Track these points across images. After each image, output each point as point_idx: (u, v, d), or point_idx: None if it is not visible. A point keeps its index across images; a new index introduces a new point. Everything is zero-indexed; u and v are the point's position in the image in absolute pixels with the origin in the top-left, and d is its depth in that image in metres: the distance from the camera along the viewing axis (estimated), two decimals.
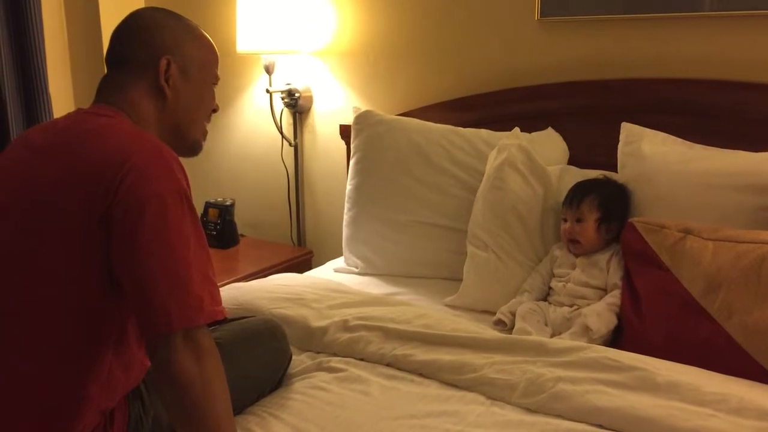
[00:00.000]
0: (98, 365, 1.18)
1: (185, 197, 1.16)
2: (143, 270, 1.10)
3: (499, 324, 1.81)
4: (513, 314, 1.81)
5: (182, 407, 1.10)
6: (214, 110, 1.44)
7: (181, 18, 1.38)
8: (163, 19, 1.34)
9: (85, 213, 1.13)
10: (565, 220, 1.85)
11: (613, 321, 1.68)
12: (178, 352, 1.09)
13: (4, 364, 1.16)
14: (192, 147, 1.41)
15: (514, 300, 1.85)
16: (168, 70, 1.30)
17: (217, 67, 1.42)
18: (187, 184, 1.19)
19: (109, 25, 2.66)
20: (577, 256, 1.84)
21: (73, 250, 1.14)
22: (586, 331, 1.66)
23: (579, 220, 1.82)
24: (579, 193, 1.84)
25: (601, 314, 1.68)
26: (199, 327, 1.12)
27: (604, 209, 1.81)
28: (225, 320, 1.24)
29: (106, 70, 1.35)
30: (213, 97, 1.42)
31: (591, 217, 1.81)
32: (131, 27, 1.34)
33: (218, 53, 1.43)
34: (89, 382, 1.17)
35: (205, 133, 1.43)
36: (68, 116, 1.30)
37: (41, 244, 1.16)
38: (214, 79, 1.42)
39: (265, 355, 1.51)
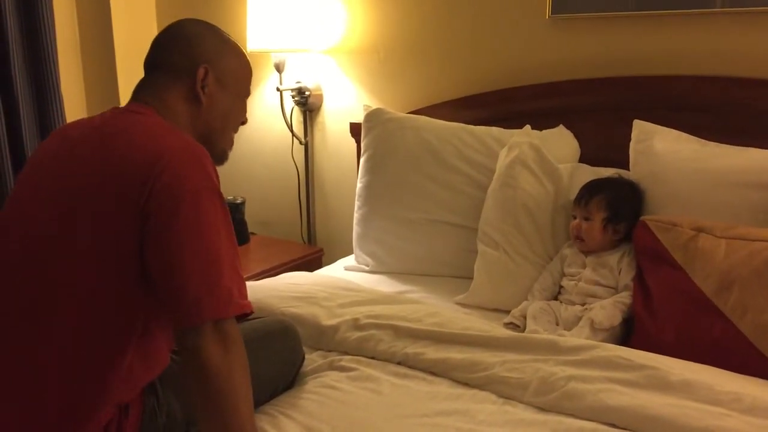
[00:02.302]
0: (120, 358, 1.20)
1: (217, 192, 1.21)
2: (177, 262, 1.13)
3: (511, 327, 1.81)
4: (525, 317, 1.80)
5: (207, 396, 1.13)
6: (243, 122, 1.48)
7: (220, 31, 1.43)
8: (204, 30, 1.40)
9: (120, 207, 1.16)
10: (575, 217, 1.85)
11: (617, 317, 1.67)
12: (207, 342, 1.12)
13: (31, 353, 1.18)
14: (219, 156, 1.44)
15: (525, 303, 1.85)
16: (205, 78, 1.35)
17: (250, 83, 1.47)
18: (218, 178, 1.23)
19: (120, 23, 2.68)
20: (584, 254, 1.83)
21: (109, 244, 1.17)
22: (590, 325, 1.66)
23: (586, 219, 1.81)
24: (589, 191, 1.83)
25: (605, 307, 1.68)
26: (228, 318, 1.15)
27: (612, 210, 1.80)
28: (243, 318, 1.25)
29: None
30: (244, 110, 1.47)
31: (598, 217, 1.80)
32: (173, 35, 1.39)
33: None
34: (110, 375, 1.19)
35: (232, 144, 1.48)
36: (103, 114, 1.34)
37: (78, 238, 1.18)
38: (247, 93, 1.47)
39: (278, 355, 1.52)
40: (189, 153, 1.21)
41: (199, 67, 1.34)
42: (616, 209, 1.80)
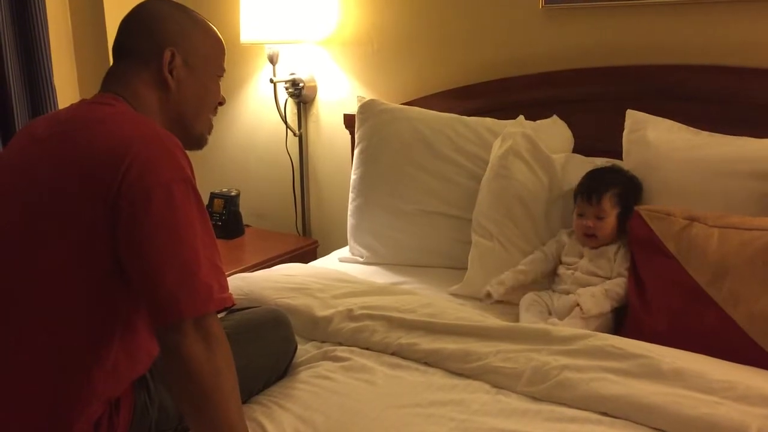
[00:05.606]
0: (104, 354, 1.19)
1: (190, 184, 1.16)
2: (151, 260, 1.10)
3: (487, 297, 1.81)
4: (501, 285, 1.81)
5: (191, 396, 1.11)
6: (220, 103, 1.44)
7: (187, 10, 1.38)
8: (169, 11, 1.34)
9: (90, 203, 1.13)
10: (581, 215, 1.80)
11: (605, 306, 1.67)
12: (188, 340, 1.10)
13: (11, 352, 1.17)
14: (197, 140, 1.41)
15: (506, 273, 1.84)
16: (172, 61, 1.31)
17: (223, 60, 1.42)
18: (191, 170, 1.19)
19: (112, 14, 2.67)
20: (591, 248, 1.81)
21: (79, 240, 1.14)
22: (579, 314, 1.66)
23: (599, 217, 1.77)
24: (598, 187, 1.78)
25: (595, 295, 1.67)
26: (209, 314, 1.12)
27: (623, 205, 1.77)
28: (231, 309, 1.24)
29: (111, 61, 1.35)
30: (218, 90, 1.43)
31: (612, 213, 1.77)
32: (137, 18, 1.34)
33: (225, 45, 1.43)
34: (95, 370, 1.18)
35: (210, 127, 1.44)
36: (71, 107, 1.31)
37: (46, 234, 1.16)
38: (220, 72, 1.42)
39: (270, 345, 1.51)
40: (158, 143, 1.16)
41: (164, 51, 1.30)
42: (627, 203, 1.77)
